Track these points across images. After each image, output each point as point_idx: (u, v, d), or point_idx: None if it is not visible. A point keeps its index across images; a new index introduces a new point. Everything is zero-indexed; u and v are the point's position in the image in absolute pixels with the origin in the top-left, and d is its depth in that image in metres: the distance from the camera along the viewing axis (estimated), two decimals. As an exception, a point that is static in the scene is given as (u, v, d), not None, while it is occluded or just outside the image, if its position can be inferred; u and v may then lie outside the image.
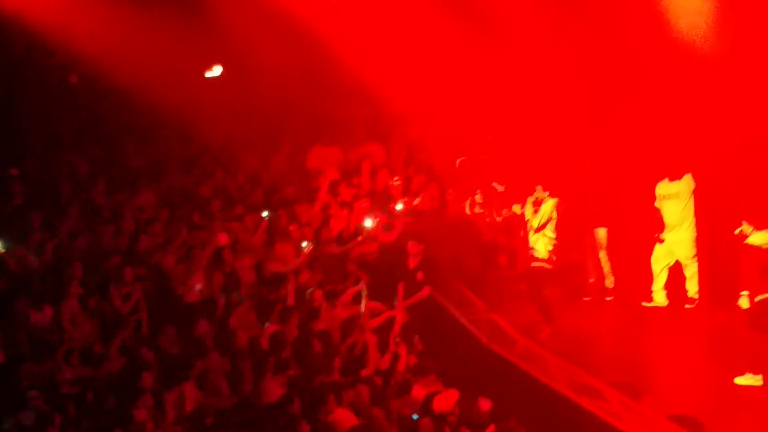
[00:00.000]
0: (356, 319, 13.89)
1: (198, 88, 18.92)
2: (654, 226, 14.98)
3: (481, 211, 16.67)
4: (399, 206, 16.60)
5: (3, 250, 14.67)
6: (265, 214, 16.16)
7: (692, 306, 14.91)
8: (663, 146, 15.65)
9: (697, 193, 14.77)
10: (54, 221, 15.81)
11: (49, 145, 18.69)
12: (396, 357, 12.99)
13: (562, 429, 11.74)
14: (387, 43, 17.83)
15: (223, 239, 15.33)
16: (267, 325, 13.61)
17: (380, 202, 16.94)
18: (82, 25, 17.33)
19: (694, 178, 14.73)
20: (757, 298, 12.79)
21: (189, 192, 17.46)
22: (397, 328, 13.70)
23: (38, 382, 12.22)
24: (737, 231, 12.85)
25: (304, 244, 15.39)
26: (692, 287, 14.95)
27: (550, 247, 14.73)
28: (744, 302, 13.03)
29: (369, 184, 17.70)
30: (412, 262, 15.32)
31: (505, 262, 16.48)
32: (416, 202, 17.05)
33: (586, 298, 15.83)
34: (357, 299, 14.25)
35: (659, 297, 15.20)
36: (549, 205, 14.70)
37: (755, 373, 12.54)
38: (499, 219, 16.45)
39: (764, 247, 12.68)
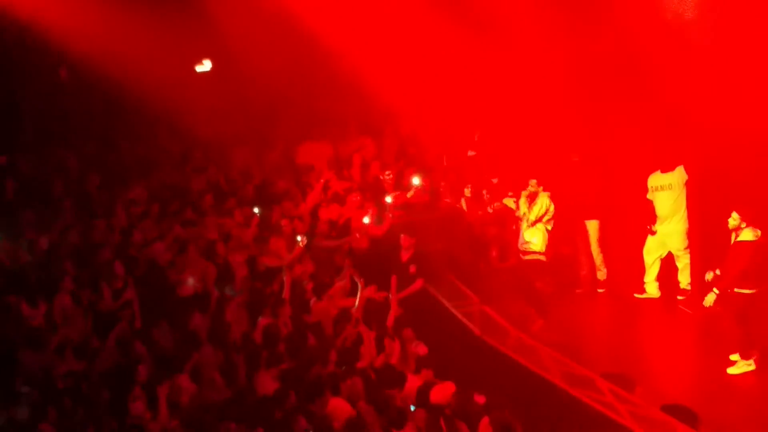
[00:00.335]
0: (350, 312, 13.91)
1: (190, 83, 18.91)
2: (646, 218, 14.98)
3: (473, 204, 16.72)
4: (389, 199, 16.60)
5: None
6: (256, 209, 16.17)
7: (684, 297, 14.93)
8: (655, 138, 15.67)
9: (689, 185, 14.78)
10: (46, 217, 15.79)
11: (41, 140, 18.66)
12: (390, 349, 13.00)
13: (556, 420, 11.75)
14: (379, 38, 17.86)
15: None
16: (260, 318, 13.62)
17: (372, 196, 16.95)
18: (74, 21, 17.31)
19: (686, 169, 14.74)
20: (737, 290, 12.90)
21: (181, 187, 17.45)
22: (390, 321, 13.75)
23: (32, 376, 12.23)
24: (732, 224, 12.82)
25: (299, 238, 15.39)
26: (684, 279, 14.98)
27: (546, 240, 14.78)
28: (710, 298, 13.05)
29: (360, 178, 17.72)
30: (405, 255, 15.33)
31: (497, 254, 16.54)
32: (409, 195, 17.05)
33: (578, 290, 15.86)
34: (351, 292, 14.30)
35: (651, 288, 15.24)
36: (545, 199, 14.74)
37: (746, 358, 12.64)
38: (491, 211, 16.50)
39: (752, 241, 12.69)
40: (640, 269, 15.29)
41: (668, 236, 14.88)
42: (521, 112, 17.62)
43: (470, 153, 17.98)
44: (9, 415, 11.58)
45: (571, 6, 17.13)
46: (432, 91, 18.07)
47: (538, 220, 14.74)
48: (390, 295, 14.30)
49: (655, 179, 14.90)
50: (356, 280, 14.26)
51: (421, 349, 13.23)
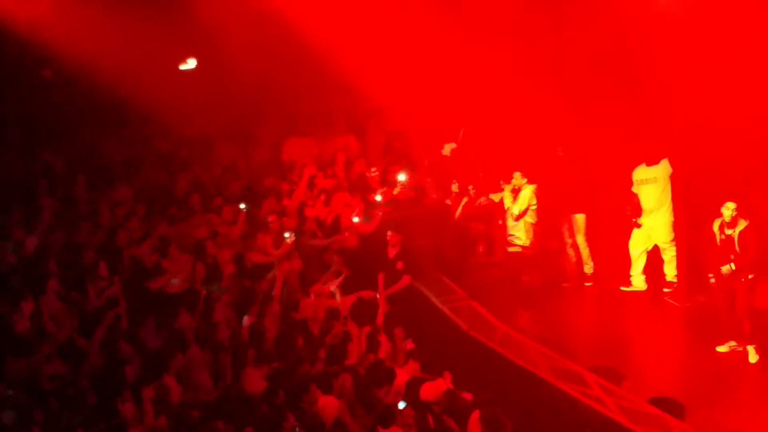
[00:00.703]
0: (338, 310, 13.92)
1: (174, 81, 18.82)
2: (632, 211, 15.01)
3: (460, 199, 16.72)
4: (378, 197, 16.61)
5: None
6: (242, 206, 16.15)
7: (671, 290, 14.96)
8: (640, 131, 15.69)
9: (674, 178, 14.81)
10: (32, 217, 15.74)
11: (26, 141, 18.59)
12: (378, 346, 13.01)
13: (544, 414, 11.75)
14: (363, 34, 17.81)
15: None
16: (247, 316, 13.61)
17: (359, 193, 16.95)
18: (58, 21, 17.23)
19: (671, 162, 14.76)
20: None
21: (167, 186, 17.41)
22: (379, 318, 13.75)
23: (19, 378, 12.19)
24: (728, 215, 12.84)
25: (287, 234, 15.38)
26: (670, 271, 15.01)
27: (531, 234, 14.81)
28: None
29: (345, 175, 17.71)
30: (392, 252, 15.32)
31: (484, 249, 16.55)
32: (396, 191, 17.05)
33: (565, 284, 15.88)
34: (340, 290, 14.34)
35: (638, 281, 15.27)
36: (528, 192, 14.75)
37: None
38: (477, 205, 16.52)
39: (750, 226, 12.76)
40: (627, 262, 15.32)
41: (654, 229, 14.91)
42: (506, 107, 17.60)
43: (451, 146, 17.93)
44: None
45: (556, 1, 17.15)
46: (417, 87, 18.03)
47: (522, 214, 14.75)
48: (378, 292, 14.31)
49: (640, 172, 14.93)
50: (343, 275, 14.28)
51: (408, 345, 13.23)
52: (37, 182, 17.16)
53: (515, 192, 14.82)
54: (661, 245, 14.98)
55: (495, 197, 15.42)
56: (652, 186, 14.76)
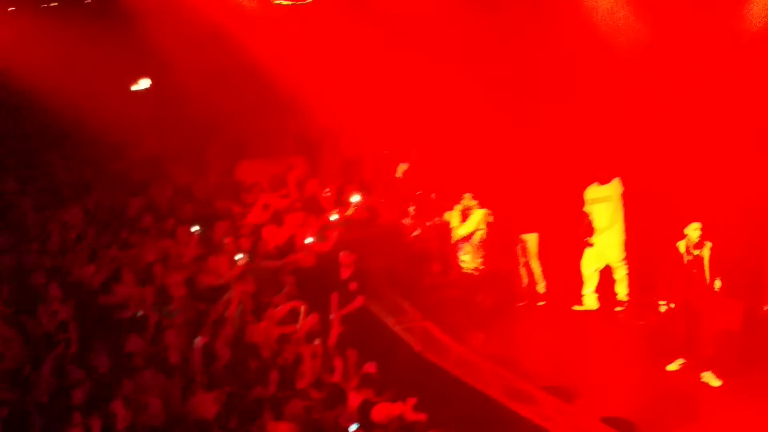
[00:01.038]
0: (291, 333, 13.86)
1: (124, 103, 18.72)
2: (584, 231, 15.07)
3: (412, 220, 16.75)
4: (334, 217, 16.59)
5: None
6: (195, 228, 16.05)
7: (622, 308, 15.03)
8: (591, 151, 15.80)
9: (625, 197, 14.89)
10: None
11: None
12: (331, 368, 12.96)
13: (496, 435, 11.80)
14: (314, 56, 17.87)
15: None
16: (198, 338, 13.50)
17: (313, 213, 16.91)
18: (5, 41, 17.09)
19: (623, 182, 14.84)
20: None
21: (118, 208, 17.28)
22: (332, 339, 13.70)
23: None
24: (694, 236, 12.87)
25: (238, 256, 15.31)
26: (622, 290, 15.10)
27: (479, 257, 14.84)
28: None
29: (297, 195, 17.67)
30: (345, 273, 15.27)
31: (438, 269, 16.55)
32: (349, 212, 17.03)
33: (518, 304, 15.91)
34: (294, 314, 14.26)
35: (590, 300, 15.33)
36: (478, 216, 14.77)
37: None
38: (428, 224, 16.54)
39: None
40: (579, 282, 15.38)
41: (606, 248, 14.98)
42: (459, 128, 17.67)
43: (404, 167, 17.98)
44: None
45: (504, 21, 17.22)
46: (370, 108, 18.08)
47: (467, 237, 14.77)
48: (331, 314, 14.27)
49: (592, 192, 15.00)
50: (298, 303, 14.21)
51: (370, 367, 13.14)
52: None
53: (464, 213, 14.84)
54: (612, 264, 15.05)
55: (448, 217, 15.43)
56: (604, 205, 14.83)
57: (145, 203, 17.45)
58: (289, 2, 17.87)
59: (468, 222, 14.77)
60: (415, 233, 16.82)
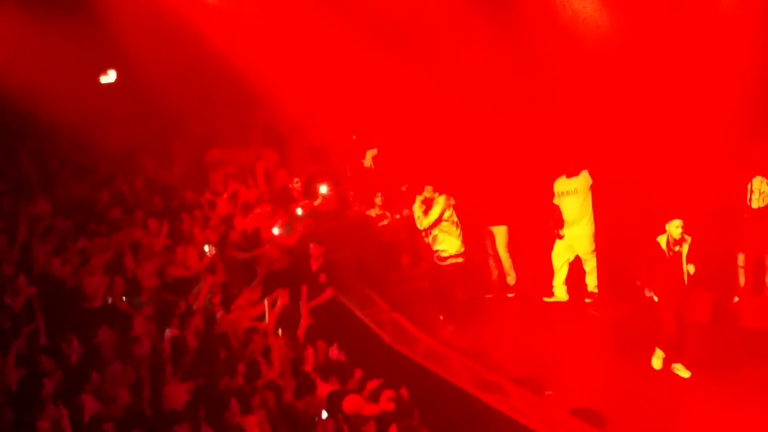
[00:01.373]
0: (260, 324, 13.81)
1: (92, 94, 18.58)
2: (554, 223, 15.09)
3: (381, 212, 16.74)
4: (299, 211, 16.54)
5: None
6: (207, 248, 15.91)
7: (592, 300, 15.07)
8: (560, 143, 15.83)
9: (594, 189, 14.92)
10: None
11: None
12: (300, 359, 12.92)
13: (465, 425, 11.80)
14: (280, 46, 17.82)
15: None
16: (168, 330, 13.44)
17: (282, 205, 16.86)
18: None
19: (591, 174, 14.87)
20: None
21: (86, 200, 17.17)
22: (301, 331, 13.66)
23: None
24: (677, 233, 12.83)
25: (207, 248, 15.25)
26: (592, 282, 15.14)
27: (459, 243, 14.82)
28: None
29: (265, 186, 17.62)
30: (314, 265, 15.25)
31: (407, 261, 16.54)
32: (317, 203, 16.98)
33: (488, 296, 15.93)
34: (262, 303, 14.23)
35: (560, 292, 15.37)
36: (441, 204, 14.73)
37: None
38: (398, 217, 16.53)
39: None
40: (549, 273, 15.41)
41: (575, 240, 15.01)
42: (427, 120, 17.68)
43: (373, 153, 17.96)
44: None
45: (473, 12, 17.22)
46: (337, 99, 18.04)
47: (431, 226, 14.74)
48: (300, 305, 14.23)
49: (561, 184, 15.01)
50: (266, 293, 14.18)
51: (335, 353, 13.11)
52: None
53: (427, 204, 14.81)
54: (582, 256, 15.09)
55: (425, 194, 15.36)
56: (573, 197, 14.85)
57: (112, 195, 17.34)
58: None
59: (431, 213, 14.71)
60: (383, 223, 16.80)
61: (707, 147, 15.41)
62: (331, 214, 17.12)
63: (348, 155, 18.43)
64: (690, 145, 15.53)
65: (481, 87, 16.99)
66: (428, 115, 17.70)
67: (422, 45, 17.56)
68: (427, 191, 14.84)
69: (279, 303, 13.95)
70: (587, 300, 15.15)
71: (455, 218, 14.82)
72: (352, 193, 17.50)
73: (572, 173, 14.92)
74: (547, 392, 12.57)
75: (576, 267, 15.26)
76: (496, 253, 15.86)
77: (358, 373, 12.39)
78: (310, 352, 13.01)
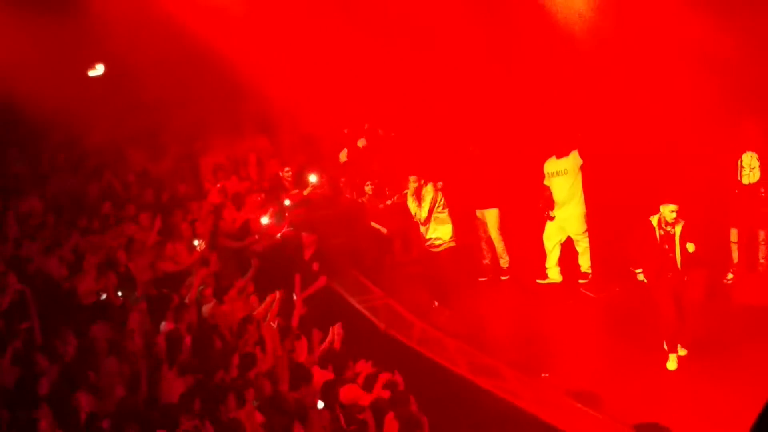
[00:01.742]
0: (252, 314, 13.79)
1: (79, 88, 18.48)
2: (544, 204, 15.06)
3: (374, 198, 16.71)
4: (287, 202, 16.52)
5: None
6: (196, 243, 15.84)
7: (586, 281, 15.06)
8: (549, 124, 15.79)
9: (586, 169, 14.89)
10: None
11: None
12: (295, 348, 12.92)
13: (461, 410, 11.79)
14: (270, 36, 17.78)
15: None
16: (163, 324, 13.43)
17: (273, 195, 16.84)
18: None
19: (581, 154, 14.83)
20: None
21: (77, 195, 17.12)
22: (295, 320, 13.65)
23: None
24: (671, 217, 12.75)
25: (196, 242, 15.23)
26: (585, 262, 15.12)
27: (450, 230, 14.79)
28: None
29: (257, 176, 17.58)
30: (307, 253, 15.24)
31: (399, 247, 16.52)
32: (306, 192, 16.95)
33: (481, 279, 15.92)
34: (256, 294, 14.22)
35: (553, 273, 15.36)
36: (431, 192, 14.68)
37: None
38: (389, 203, 16.50)
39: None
40: (542, 255, 15.39)
41: (566, 221, 14.97)
42: (417, 104, 17.65)
43: (363, 141, 17.93)
44: None
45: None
46: (327, 87, 17.99)
47: (430, 215, 14.70)
48: (294, 294, 14.22)
49: (551, 165, 14.96)
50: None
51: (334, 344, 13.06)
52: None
53: (417, 194, 14.76)
54: (574, 237, 15.06)
55: (410, 187, 15.33)
56: (563, 178, 14.80)
57: (102, 189, 17.29)
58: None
59: (424, 202, 14.67)
60: (379, 207, 16.78)
61: (696, 124, 15.36)
62: (323, 201, 17.08)
63: (339, 141, 18.35)
64: (679, 122, 15.49)
65: (469, 70, 16.95)
66: (418, 100, 17.65)
67: (410, 31, 17.52)
68: (412, 181, 14.78)
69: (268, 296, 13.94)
70: (581, 281, 15.11)
71: (444, 203, 14.76)
72: (343, 180, 17.45)
73: (562, 154, 14.85)
74: (542, 375, 12.57)
75: (569, 248, 15.23)
76: (489, 237, 15.84)
77: (359, 364, 12.43)
78: (303, 342, 13.02)
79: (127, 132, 18.85)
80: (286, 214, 16.14)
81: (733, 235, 14.59)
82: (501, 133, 16.42)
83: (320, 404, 11.37)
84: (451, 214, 14.85)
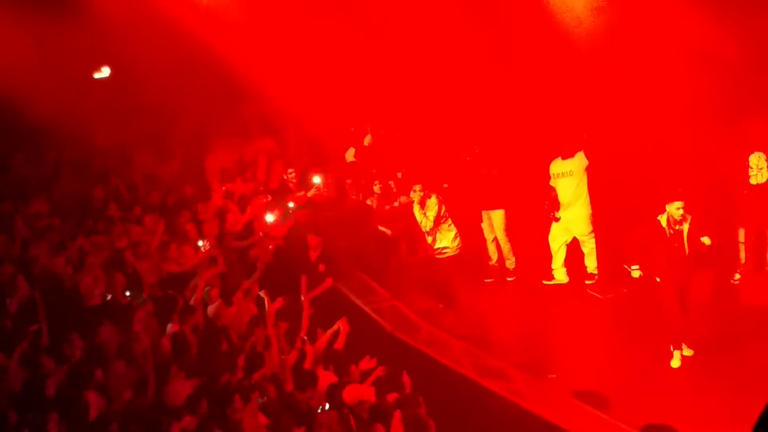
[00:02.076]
0: (259, 316, 13.79)
1: (86, 90, 18.50)
2: (550, 205, 15.03)
3: (382, 199, 16.70)
4: (291, 204, 16.51)
5: None
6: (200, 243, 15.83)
7: (592, 282, 15.03)
8: (555, 125, 15.77)
9: (592, 170, 14.85)
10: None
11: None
12: (302, 350, 12.90)
13: (468, 412, 11.78)
14: (274, 38, 17.79)
15: None
16: (169, 325, 13.43)
17: (278, 196, 16.85)
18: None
19: (587, 155, 14.80)
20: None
21: (83, 197, 17.14)
22: (302, 321, 13.64)
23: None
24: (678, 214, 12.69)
25: (201, 243, 15.23)
26: (591, 263, 15.08)
27: (457, 238, 14.76)
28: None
29: (266, 178, 17.59)
30: (313, 254, 15.23)
31: (406, 248, 16.49)
32: (311, 193, 16.95)
33: (488, 280, 15.89)
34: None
35: (559, 275, 15.33)
36: (434, 200, 14.65)
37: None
38: (396, 205, 16.48)
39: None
40: (548, 256, 15.36)
41: (572, 222, 14.94)
42: (422, 105, 17.64)
43: (369, 139, 17.92)
44: None
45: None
46: (332, 89, 17.99)
47: (437, 223, 14.65)
48: (301, 296, 14.22)
49: (556, 166, 14.93)
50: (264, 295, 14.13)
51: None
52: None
53: (422, 204, 14.71)
54: (580, 238, 15.03)
55: (415, 197, 15.34)
56: (568, 179, 14.77)
57: (108, 191, 17.31)
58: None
59: (429, 211, 14.62)
60: (384, 209, 16.77)
61: (703, 125, 15.34)
62: (328, 203, 17.08)
63: (344, 144, 18.35)
64: (685, 123, 15.46)
65: (474, 72, 16.93)
66: (424, 101, 17.64)
67: (415, 32, 17.50)
68: (416, 190, 14.73)
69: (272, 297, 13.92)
70: (587, 282, 15.08)
71: (447, 214, 14.74)
72: (349, 181, 17.44)
73: (567, 155, 14.83)
74: (549, 376, 12.54)
75: (575, 249, 15.20)
76: (495, 237, 15.81)
77: (361, 362, 12.43)
78: (308, 347, 13.01)
79: (133, 135, 18.87)
80: (293, 215, 16.11)
81: (741, 235, 14.54)
82: (507, 134, 16.40)
83: (326, 406, 11.37)
84: (456, 217, 14.83)
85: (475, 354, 12.91)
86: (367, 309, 14.57)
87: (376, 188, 16.77)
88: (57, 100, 16.86)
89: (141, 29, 17.60)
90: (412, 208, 15.20)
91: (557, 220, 14.99)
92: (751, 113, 14.85)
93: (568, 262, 15.27)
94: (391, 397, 11.43)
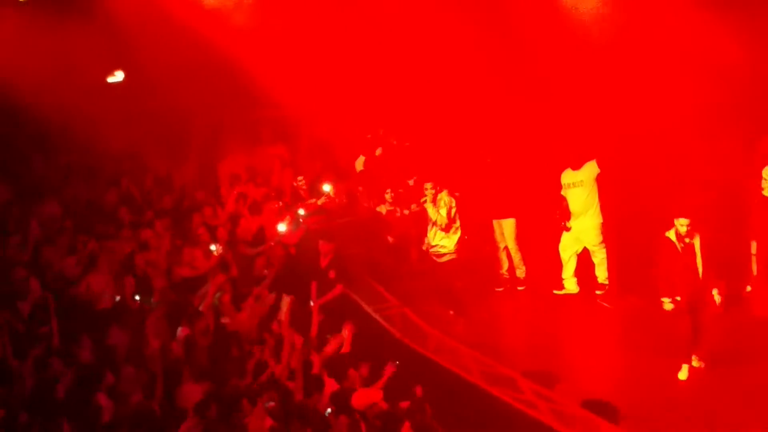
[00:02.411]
0: (269, 321, 13.81)
1: (99, 94, 18.54)
2: (561, 215, 15.02)
3: (391, 208, 16.71)
4: (301, 211, 16.54)
5: None
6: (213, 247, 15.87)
7: (603, 292, 15.01)
8: (566, 135, 15.77)
9: (600, 180, 14.84)
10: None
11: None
12: (310, 356, 12.93)
13: (476, 420, 11.77)
14: (287, 43, 17.80)
15: None
16: (180, 329, 13.45)
17: (291, 202, 16.88)
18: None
19: (599, 164, 14.79)
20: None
21: (95, 201, 17.18)
22: (314, 328, 13.66)
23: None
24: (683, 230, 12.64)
25: (213, 247, 15.26)
26: (601, 273, 15.06)
27: (456, 239, 14.77)
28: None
29: (278, 184, 17.62)
30: (324, 261, 15.23)
31: (416, 256, 16.48)
32: (321, 201, 16.98)
33: (498, 289, 15.88)
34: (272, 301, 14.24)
35: (570, 284, 15.32)
36: (446, 197, 14.67)
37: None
38: (407, 212, 16.50)
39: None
40: (559, 266, 15.35)
41: (583, 232, 14.93)
42: (434, 113, 17.65)
43: (379, 152, 17.96)
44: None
45: (475, 7, 17.19)
46: (344, 95, 18.02)
47: (451, 221, 14.68)
48: (311, 302, 14.23)
49: (568, 176, 14.92)
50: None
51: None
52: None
53: (434, 201, 14.72)
54: (590, 248, 15.02)
55: (427, 195, 15.29)
56: (579, 189, 14.75)
57: (120, 195, 17.34)
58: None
59: (442, 209, 14.64)
60: (394, 216, 16.78)
61: (717, 135, 15.33)
62: (340, 210, 17.09)
63: (356, 152, 18.37)
64: (700, 134, 15.46)
65: (486, 80, 16.93)
66: (435, 109, 17.64)
67: (428, 38, 17.51)
68: (428, 188, 14.74)
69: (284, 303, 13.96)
70: (598, 292, 15.06)
71: (457, 214, 14.75)
72: (360, 188, 17.46)
73: (578, 165, 14.83)
74: (558, 385, 12.52)
75: (586, 259, 15.19)
76: (506, 247, 15.81)
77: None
78: (315, 354, 13.03)
79: (146, 139, 18.91)
80: (303, 224, 16.14)
81: (753, 247, 14.50)
82: (518, 143, 16.40)
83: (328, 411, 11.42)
84: (466, 225, 14.84)
85: (484, 362, 12.88)
86: (376, 316, 14.54)
87: (388, 196, 16.79)
88: (70, 104, 16.91)
89: (155, 34, 17.62)
90: (423, 215, 15.22)
91: (568, 229, 14.99)
92: (764, 126, 14.81)
93: (578, 272, 15.26)
94: (404, 404, 11.43)
